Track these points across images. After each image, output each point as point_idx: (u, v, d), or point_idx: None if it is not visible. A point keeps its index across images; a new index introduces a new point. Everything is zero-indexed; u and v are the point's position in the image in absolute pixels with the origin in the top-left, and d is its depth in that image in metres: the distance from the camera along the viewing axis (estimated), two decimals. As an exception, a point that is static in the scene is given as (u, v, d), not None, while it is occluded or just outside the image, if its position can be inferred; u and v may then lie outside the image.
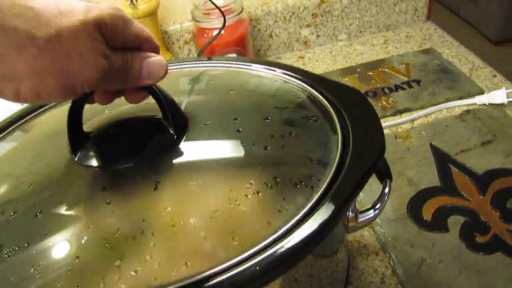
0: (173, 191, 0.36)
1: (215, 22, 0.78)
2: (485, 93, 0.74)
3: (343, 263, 0.50)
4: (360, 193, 0.51)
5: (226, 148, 0.40)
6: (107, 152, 0.39)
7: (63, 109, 0.41)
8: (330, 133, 0.40)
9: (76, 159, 0.38)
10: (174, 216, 0.33)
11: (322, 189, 0.34)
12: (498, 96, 0.72)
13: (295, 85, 0.47)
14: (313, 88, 0.45)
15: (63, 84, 0.30)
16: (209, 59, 0.54)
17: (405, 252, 0.53)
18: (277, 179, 0.36)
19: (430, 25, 0.97)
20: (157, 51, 0.36)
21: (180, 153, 0.38)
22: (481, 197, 0.58)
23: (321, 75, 0.84)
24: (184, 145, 0.38)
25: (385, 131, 0.58)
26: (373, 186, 0.55)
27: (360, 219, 0.43)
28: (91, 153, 0.38)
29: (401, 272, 0.51)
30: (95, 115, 0.42)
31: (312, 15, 0.91)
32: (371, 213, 0.43)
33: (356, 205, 0.44)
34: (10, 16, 0.28)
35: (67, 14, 0.30)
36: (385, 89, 0.79)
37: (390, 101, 0.76)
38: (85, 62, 0.30)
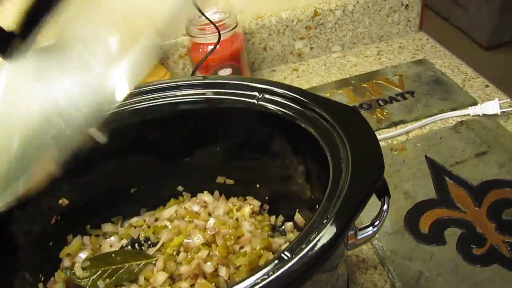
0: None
1: (210, 37, 0.78)
2: (479, 104, 0.75)
3: (343, 278, 0.50)
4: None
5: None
6: None
7: None
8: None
9: None
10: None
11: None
12: (491, 107, 0.73)
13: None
14: (308, 106, 0.45)
15: None
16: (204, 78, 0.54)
17: (404, 266, 0.54)
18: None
19: (422, 36, 0.98)
20: None
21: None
22: (477, 208, 0.59)
23: (316, 87, 0.86)
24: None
25: (381, 144, 0.59)
26: (370, 201, 0.56)
27: (359, 236, 0.44)
28: None
29: (400, 285, 0.52)
30: None
31: (306, 27, 0.91)
32: (370, 230, 0.44)
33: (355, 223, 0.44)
34: None
35: None
36: (380, 101, 0.80)
37: (384, 113, 0.77)
38: None
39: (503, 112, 0.73)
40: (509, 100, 0.75)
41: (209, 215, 0.56)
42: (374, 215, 0.42)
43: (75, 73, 0.32)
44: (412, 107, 0.78)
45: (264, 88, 0.49)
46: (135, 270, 0.50)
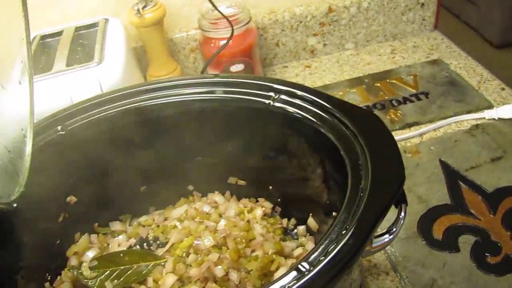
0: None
1: (222, 32, 0.77)
2: (494, 107, 0.74)
3: (356, 283, 0.49)
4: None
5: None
6: None
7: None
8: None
9: None
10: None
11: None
12: (508, 111, 0.71)
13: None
14: (329, 111, 0.44)
15: None
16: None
17: (416, 272, 0.53)
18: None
19: (437, 35, 0.97)
20: None
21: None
22: (492, 216, 0.58)
23: (329, 85, 0.84)
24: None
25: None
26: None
27: (375, 244, 0.43)
28: None
29: (412, 293, 0.51)
30: None
31: (320, 24, 0.90)
32: (386, 238, 0.43)
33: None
34: None
35: None
36: (393, 102, 0.78)
37: (398, 114, 0.75)
38: None
39: (520, 116, 0.71)
40: (525, 104, 0.74)
41: (220, 216, 0.55)
42: (388, 220, 0.41)
43: None
44: (426, 108, 0.76)
45: (280, 89, 0.47)
46: (144, 272, 0.49)
